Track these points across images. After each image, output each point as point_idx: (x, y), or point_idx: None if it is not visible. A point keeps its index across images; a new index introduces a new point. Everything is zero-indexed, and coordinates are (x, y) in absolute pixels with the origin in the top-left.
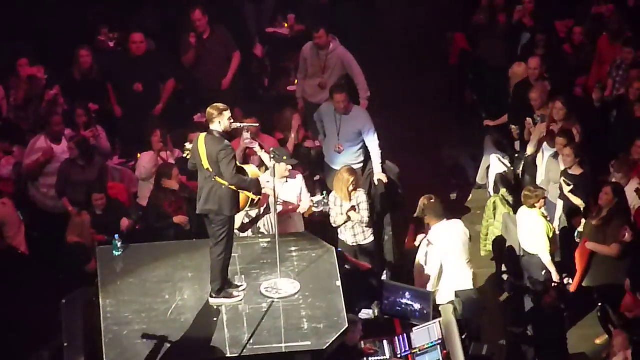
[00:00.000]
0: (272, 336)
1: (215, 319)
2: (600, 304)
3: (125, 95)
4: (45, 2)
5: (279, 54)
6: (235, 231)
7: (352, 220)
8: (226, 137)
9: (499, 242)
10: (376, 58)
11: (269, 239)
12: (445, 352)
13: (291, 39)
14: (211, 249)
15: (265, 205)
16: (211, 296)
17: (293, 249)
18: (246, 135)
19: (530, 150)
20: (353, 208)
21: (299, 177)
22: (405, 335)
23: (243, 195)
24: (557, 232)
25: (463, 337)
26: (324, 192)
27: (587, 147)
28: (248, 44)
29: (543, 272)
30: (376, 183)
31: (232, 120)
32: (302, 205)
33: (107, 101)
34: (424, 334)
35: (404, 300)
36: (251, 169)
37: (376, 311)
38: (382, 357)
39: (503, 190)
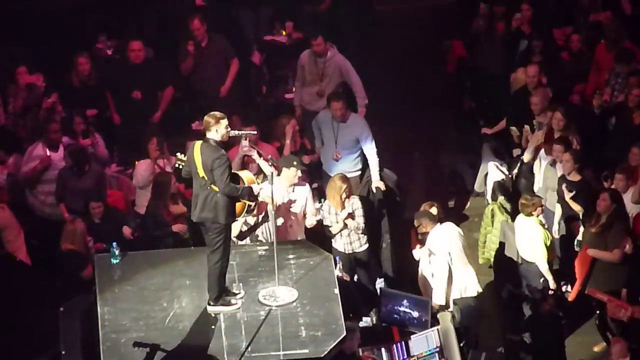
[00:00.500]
0: (270, 344)
1: (213, 327)
2: (598, 312)
3: (123, 102)
4: (44, 9)
5: (276, 61)
6: (233, 239)
7: (349, 227)
8: (222, 145)
9: (497, 249)
10: (374, 66)
11: (266, 247)
12: (443, 359)
13: (289, 47)
14: (208, 257)
15: (263, 213)
16: (209, 304)
17: (291, 256)
18: (244, 143)
19: (527, 157)
20: (350, 215)
21: (306, 187)
22: (403, 343)
23: (239, 202)
24: (557, 237)
25: (461, 344)
26: (322, 200)
27: (585, 155)
28: (246, 52)
29: (541, 280)
30: (374, 191)
31: (229, 129)
32: (307, 221)
33: (106, 108)
34: (422, 342)
35: (402, 308)
36: (246, 175)
37: (374, 319)
38: None
39: (501, 198)
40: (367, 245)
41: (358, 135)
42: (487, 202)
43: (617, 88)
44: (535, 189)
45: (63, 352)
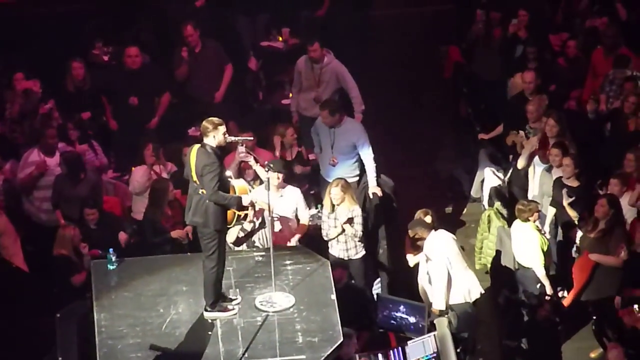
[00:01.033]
0: (267, 350)
1: (209, 333)
2: (595, 317)
3: (120, 108)
4: (41, 15)
5: (273, 67)
6: (230, 245)
7: (346, 233)
8: (219, 151)
9: (494, 255)
10: (371, 72)
11: (263, 253)
12: None
13: (286, 53)
14: (204, 262)
15: (260, 220)
16: (206, 310)
17: (287, 262)
18: (241, 149)
19: (521, 163)
20: (349, 220)
21: (297, 192)
22: (400, 348)
23: (230, 210)
24: (548, 236)
25: (458, 350)
26: (319, 206)
27: (581, 161)
28: (242, 58)
29: (537, 286)
30: (371, 196)
31: (226, 135)
32: (295, 237)
33: (101, 114)
34: (419, 348)
35: (399, 314)
36: (239, 185)
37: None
38: None
39: (497, 204)
40: (363, 252)
41: (355, 141)
42: (483, 208)
43: (612, 95)
44: (530, 195)
45: (60, 358)
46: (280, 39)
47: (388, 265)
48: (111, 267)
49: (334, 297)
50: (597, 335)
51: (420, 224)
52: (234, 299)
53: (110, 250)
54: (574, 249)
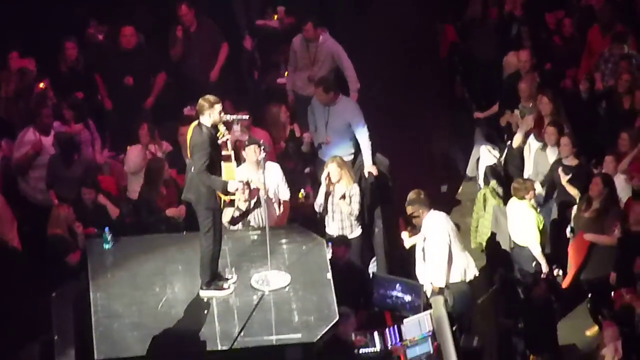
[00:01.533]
0: (263, 329)
1: (205, 312)
2: (590, 296)
3: (115, 88)
4: None
5: (268, 46)
6: (225, 224)
7: (343, 211)
8: (213, 130)
9: (490, 234)
10: (366, 50)
11: (259, 232)
12: (435, 344)
13: (281, 32)
14: (200, 240)
15: (255, 199)
16: (201, 288)
17: (283, 241)
18: (236, 127)
19: (516, 142)
20: (343, 197)
21: (277, 168)
22: (395, 327)
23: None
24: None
25: (454, 329)
26: (302, 190)
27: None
28: (237, 37)
29: (533, 264)
30: (366, 175)
31: (222, 114)
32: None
33: (95, 93)
34: (415, 326)
35: (395, 293)
36: (227, 169)
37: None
38: (372, 349)
39: (493, 182)
40: (359, 231)
41: (349, 120)
42: (479, 187)
43: (608, 73)
44: (526, 174)
45: (56, 338)
46: (276, 17)
47: (384, 244)
48: (107, 247)
49: (329, 276)
50: (593, 314)
51: (419, 201)
52: (230, 278)
53: (106, 229)
54: (568, 229)
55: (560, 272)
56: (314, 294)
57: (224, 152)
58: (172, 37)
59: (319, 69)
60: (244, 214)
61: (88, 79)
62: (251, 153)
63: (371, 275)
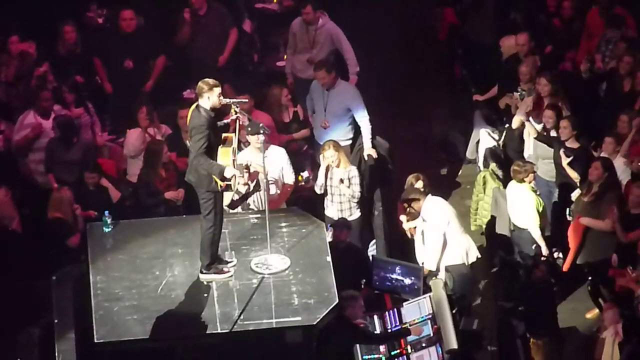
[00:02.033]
0: (263, 312)
1: (205, 295)
2: (590, 278)
3: (115, 71)
4: None
5: (268, 29)
6: (225, 207)
7: (343, 194)
8: (211, 113)
9: (489, 216)
10: (366, 33)
11: (258, 215)
12: (435, 326)
13: (280, 15)
14: (201, 222)
15: (255, 182)
16: (201, 272)
17: (283, 224)
18: (237, 110)
19: (515, 124)
20: (341, 181)
21: (282, 152)
22: (395, 310)
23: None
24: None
25: (453, 311)
26: (302, 173)
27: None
28: (237, 20)
29: (533, 247)
30: (366, 158)
31: (221, 97)
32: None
33: (94, 77)
34: (415, 309)
35: (394, 276)
36: (223, 155)
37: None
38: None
39: (493, 165)
40: (359, 213)
41: (348, 104)
42: (478, 169)
43: (608, 54)
44: (526, 155)
45: (56, 321)
46: (275, 0)
47: (383, 227)
48: (107, 230)
49: (329, 258)
50: (593, 296)
51: (413, 191)
52: (230, 261)
53: (106, 212)
54: (567, 212)
55: (561, 255)
56: (314, 277)
57: (226, 134)
58: (179, 20)
59: (318, 51)
60: (244, 198)
61: (88, 62)
62: (254, 138)
63: (371, 258)
